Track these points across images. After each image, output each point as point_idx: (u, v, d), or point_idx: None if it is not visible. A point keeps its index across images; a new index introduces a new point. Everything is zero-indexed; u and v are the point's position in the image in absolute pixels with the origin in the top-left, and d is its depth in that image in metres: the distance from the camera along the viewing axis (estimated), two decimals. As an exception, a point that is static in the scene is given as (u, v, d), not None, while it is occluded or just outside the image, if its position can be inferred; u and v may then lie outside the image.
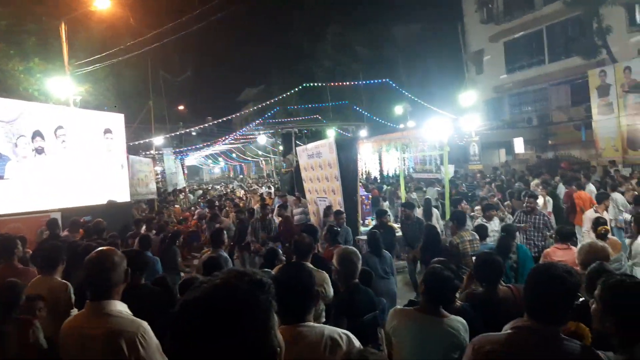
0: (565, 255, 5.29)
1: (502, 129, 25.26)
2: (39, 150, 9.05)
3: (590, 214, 7.86)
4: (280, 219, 10.44)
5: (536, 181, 13.10)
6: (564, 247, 5.57)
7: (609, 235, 5.90)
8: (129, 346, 2.33)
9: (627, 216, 8.87)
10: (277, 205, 13.01)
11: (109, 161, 11.61)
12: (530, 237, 7.44)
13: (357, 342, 2.19)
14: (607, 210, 8.21)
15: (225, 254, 6.16)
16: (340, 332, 2.20)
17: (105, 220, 8.35)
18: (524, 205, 7.97)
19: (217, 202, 16.58)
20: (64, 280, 4.09)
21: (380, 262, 6.07)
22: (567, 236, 5.69)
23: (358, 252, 3.76)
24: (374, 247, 6.26)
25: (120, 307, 2.52)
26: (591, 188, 10.66)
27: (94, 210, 9.94)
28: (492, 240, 7.12)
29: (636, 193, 10.01)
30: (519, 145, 24.17)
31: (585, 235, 7.17)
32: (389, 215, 8.96)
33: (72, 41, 15.89)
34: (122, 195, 12.36)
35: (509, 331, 2.10)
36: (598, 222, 6.02)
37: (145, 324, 2.47)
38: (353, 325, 3.13)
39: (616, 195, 9.51)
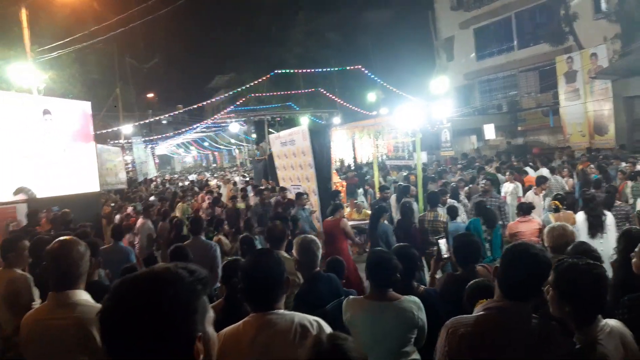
0: (526, 226, 6.15)
1: (472, 116, 25.54)
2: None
3: (530, 196, 8.58)
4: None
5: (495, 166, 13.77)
6: (525, 219, 6.26)
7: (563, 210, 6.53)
8: None
9: None
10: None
11: (49, 145, 10.83)
12: None
13: (328, 329, 2.17)
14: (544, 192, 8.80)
15: (206, 240, 6.04)
16: (311, 319, 2.18)
17: (74, 211, 8.15)
18: (480, 187, 8.42)
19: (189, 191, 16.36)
20: (24, 273, 3.95)
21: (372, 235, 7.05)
22: (527, 210, 6.36)
23: (317, 240, 3.74)
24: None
25: (86, 296, 2.47)
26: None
27: (62, 200, 9.70)
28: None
29: (571, 180, 10.69)
30: (489, 132, 24.49)
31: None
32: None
33: (33, 27, 15.32)
34: (90, 185, 12.04)
35: (481, 312, 2.12)
36: (555, 197, 6.91)
37: None
38: (316, 315, 3.13)
39: (554, 178, 10.33)
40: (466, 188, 10.62)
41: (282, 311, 2.19)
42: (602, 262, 3.29)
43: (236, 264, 3.42)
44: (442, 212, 7.32)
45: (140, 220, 8.65)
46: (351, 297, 3.14)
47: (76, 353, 2.29)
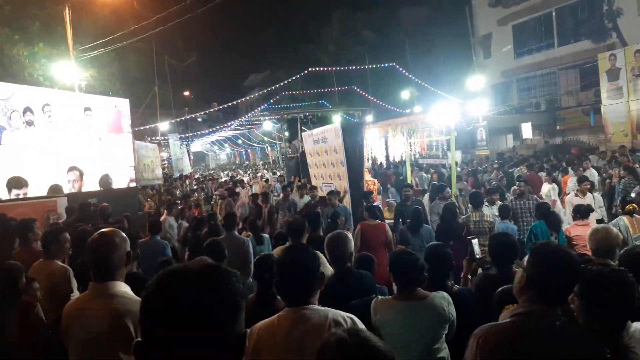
0: (585, 231, 5.55)
1: (509, 114, 25.02)
2: (29, 123, 9.91)
3: (570, 198, 8.24)
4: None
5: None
6: (583, 223, 5.92)
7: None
8: (136, 326, 2.29)
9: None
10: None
11: (89, 135, 11.77)
12: (523, 220, 7.57)
13: (361, 326, 2.15)
14: (590, 192, 8.32)
15: (239, 236, 6.11)
16: (344, 316, 2.17)
17: (111, 205, 8.37)
18: (515, 189, 8.34)
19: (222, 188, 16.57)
20: (63, 264, 4.06)
21: (414, 237, 6.50)
22: (585, 213, 6.02)
23: (349, 235, 3.73)
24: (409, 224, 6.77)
25: (124, 288, 2.49)
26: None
27: (100, 195, 9.99)
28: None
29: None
30: (526, 131, 23.94)
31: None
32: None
33: (76, 26, 15.83)
34: (126, 180, 12.45)
35: (509, 319, 2.03)
36: (625, 201, 6.42)
37: None
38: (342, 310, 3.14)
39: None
40: (514, 187, 10.42)
41: (316, 306, 2.19)
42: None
43: (269, 259, 3.45)
44: (487, 212, 7.11)
45: (163, 217, 8.94)
46: (379, 298, 3.11)
47: (112, 343, 2.32)
